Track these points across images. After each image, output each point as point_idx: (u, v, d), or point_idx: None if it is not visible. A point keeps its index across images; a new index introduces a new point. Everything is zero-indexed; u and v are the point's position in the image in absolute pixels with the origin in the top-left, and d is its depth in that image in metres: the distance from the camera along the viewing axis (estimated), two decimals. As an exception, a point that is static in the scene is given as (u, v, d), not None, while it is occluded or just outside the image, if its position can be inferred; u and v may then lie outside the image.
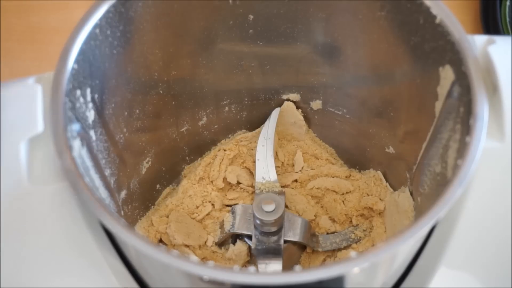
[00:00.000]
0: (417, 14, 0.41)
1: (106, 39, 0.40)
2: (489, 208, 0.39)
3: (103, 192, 0.42)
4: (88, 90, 0.40)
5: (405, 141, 0.49)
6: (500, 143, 0.39)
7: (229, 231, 0.50)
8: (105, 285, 0.38)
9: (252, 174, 0.54)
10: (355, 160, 0.55)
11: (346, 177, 0.55)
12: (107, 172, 0.43)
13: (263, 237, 0.48)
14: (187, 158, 0.56)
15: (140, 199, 0.52)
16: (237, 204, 0.52)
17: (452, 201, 0.33)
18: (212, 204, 0.53)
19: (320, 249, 0.51)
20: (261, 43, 0.49)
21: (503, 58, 0.40)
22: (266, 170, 0.52)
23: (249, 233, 0.49)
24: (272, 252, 0.48)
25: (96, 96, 0.41)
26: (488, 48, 0.40)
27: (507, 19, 0.64)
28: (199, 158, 0.56)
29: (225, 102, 0.54)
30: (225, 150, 0.55)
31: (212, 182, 0.54)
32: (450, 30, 0.39)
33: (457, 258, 0.39)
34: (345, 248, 0.51)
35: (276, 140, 0.55)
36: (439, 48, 0.40)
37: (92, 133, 0.41)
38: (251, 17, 0.47)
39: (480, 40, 0.42)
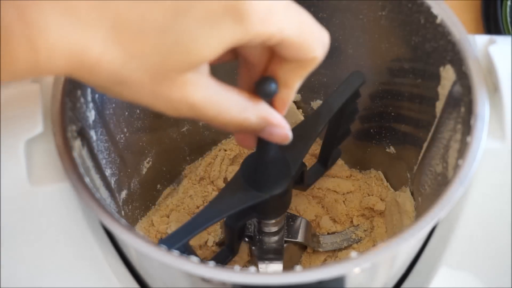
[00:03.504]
0: (418, 14, 0.41)
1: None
2: (490, 208, 0.39)
3: (103, 192, 0.42)
4: (89, 90, 0.40)
5: (406, 141, 0.49)
6: (501, 143, 0.39)
7: (229, 231, 0.50)
8: (105, 285, 0.38)
9: (252, 174, 0.54)
10: (356, 160, 0.55)
11: (346, 177, 0.55)
12: (108, 172, 0.43)
13: (264, 237, 0.48)
14: (187, 158, 0.56)
15: (141, 199, 0.51)
16: (238, 204, 0.52)
17: (453, 201, 0.33)
18: (213, 204, 0.53)
19: (321, 249, 0.51)
20: (261, 43, 0.49)
21: (504, 58, 0.40)
22: (266, 170, 0.52)
23: (249, 233, 0.49)
24: (273, 252, 0.48)
25: (96, 96, 0.41)
26: (489, 48, 0.40)
27: (508, 19, 0.64)
28: (200, 158, 0.56)
29: (225, 102, 0.54)
30: (225, 150, 0.55)
31: (212, 182, 0.54)
32: (451, 30, 0.39)
33: (458, 258, 0.39)
34: (346, 248, 0.51)
35: (277, 140, 0.55)
36: (440, 48, 0.40)
37: (92, 133, 0.41)
38: (252, 17, 0.47)
39: (481, 40, 0.42)
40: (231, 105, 0.30)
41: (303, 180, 0.48)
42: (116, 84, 0.27)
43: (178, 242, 0.37)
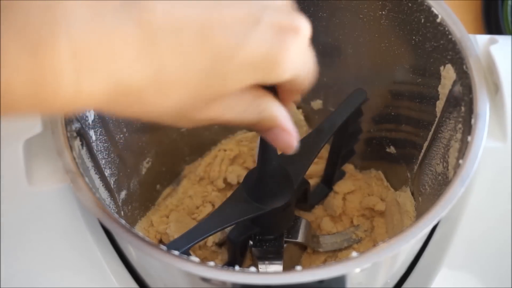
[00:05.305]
0: (418, 13, 0.40)
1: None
2: (490, 208, 0.39)
3: (103, 193, 0.41)
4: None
5: (406, 141, 0.49)
6: (501, 143, 0.39)
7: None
8: (104, 285, 0.38)
9: (252, 174, 0.54)
10: (356, 160, 0.55)
11: (347, 177, 0.55)
12: (107, 172, 0.43)
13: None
14: (187, 158, 0.56)
15: (140, 200, 0.51)
16: (238, 204, 0.52)
17: (454, 201, 0.33)
18: (213, 205, 0.53)
19: (321, 250, 0.51)
20: (261, 43, 0.49)
21: (505, 57, 0.40)
22: (266, 170, 0.52)
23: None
24: (273, 253, 0.48)
25: (96, 96, 0.41)
26: (490, 48, 0.40)
27: (509, 18, 0.64)
28: (199, 158, 0.56)
29: (225, 102, 0.54)
30: (225, 150, 0.55)
31: (212, 182, 0.54)
32: (451, 29, 0.38)
33: (458, 258, 0.39)
34: (346, 248, 0.51)
35: (277, 140, 0.55)
36: (440, 48, 0.40)
37: (92, 133, 0.41)
38: (252, 16, 0.47)
39: (482, 39, 0.42)
40: (243, 107, 0.31)
41: (307, 199, 0.48)
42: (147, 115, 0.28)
43: (180, 249, 0.38)
